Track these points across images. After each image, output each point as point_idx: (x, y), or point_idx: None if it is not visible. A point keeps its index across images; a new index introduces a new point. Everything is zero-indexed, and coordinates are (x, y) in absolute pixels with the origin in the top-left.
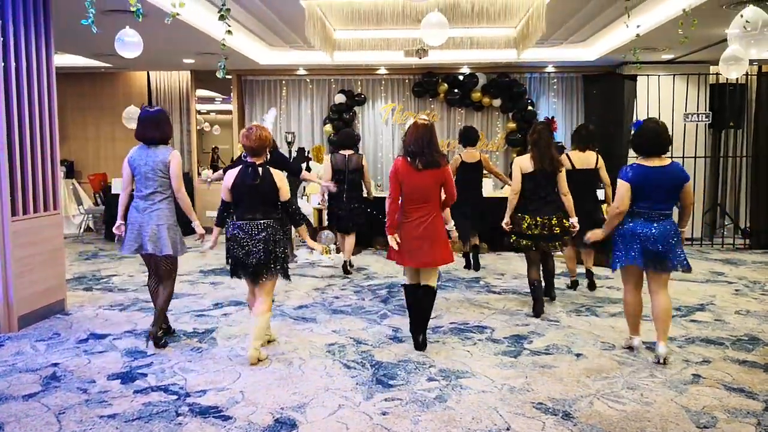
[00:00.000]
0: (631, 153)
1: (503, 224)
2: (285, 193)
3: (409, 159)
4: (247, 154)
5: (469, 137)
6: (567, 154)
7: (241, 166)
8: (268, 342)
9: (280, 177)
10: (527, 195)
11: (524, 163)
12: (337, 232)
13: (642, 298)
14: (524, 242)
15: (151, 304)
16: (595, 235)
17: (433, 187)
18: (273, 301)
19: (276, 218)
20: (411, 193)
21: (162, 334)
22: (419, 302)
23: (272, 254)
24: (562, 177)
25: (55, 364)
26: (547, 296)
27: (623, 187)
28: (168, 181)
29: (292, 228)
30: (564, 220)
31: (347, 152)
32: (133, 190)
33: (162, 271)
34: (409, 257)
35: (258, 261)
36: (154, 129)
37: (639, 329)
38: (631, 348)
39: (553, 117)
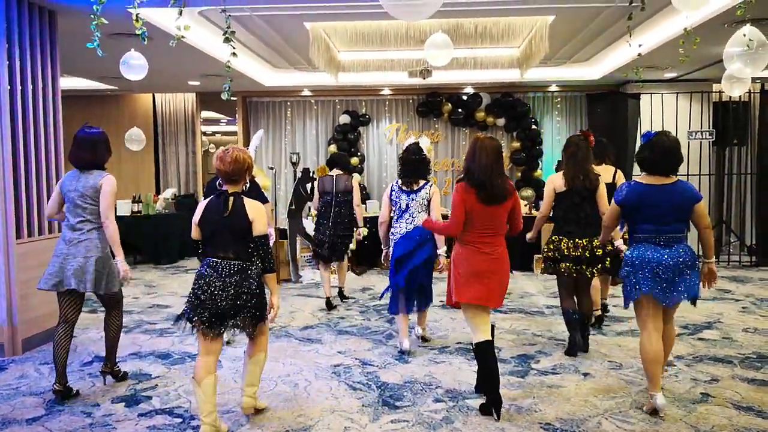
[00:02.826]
0: (636, 169)
1: (527, 237)
2: (259, 227)
3: (474, 189)
4: (221, 180)
5: None
6: None
7: (211, 196)
8: (256, 411)
9: (255, 207)
10: (563, 215)
11: (558, 181)
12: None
13: (662, 344)
14: (563, 266)
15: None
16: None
17: (503, 216)
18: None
19: (253, 261)
20: (480, 223)
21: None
22: (494, 360)
23: (242, 306)
24: (603, 195)
25: None
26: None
27: (612, 208)
28: (99, 209)
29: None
30: (607, 244)
31: (335, 172)
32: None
33: (106, 304)
34: (476, 294)
35: (221, 308)
36: (89, 151)
37: (659, 382)
38: (655, 411)
39: (588, 129)
